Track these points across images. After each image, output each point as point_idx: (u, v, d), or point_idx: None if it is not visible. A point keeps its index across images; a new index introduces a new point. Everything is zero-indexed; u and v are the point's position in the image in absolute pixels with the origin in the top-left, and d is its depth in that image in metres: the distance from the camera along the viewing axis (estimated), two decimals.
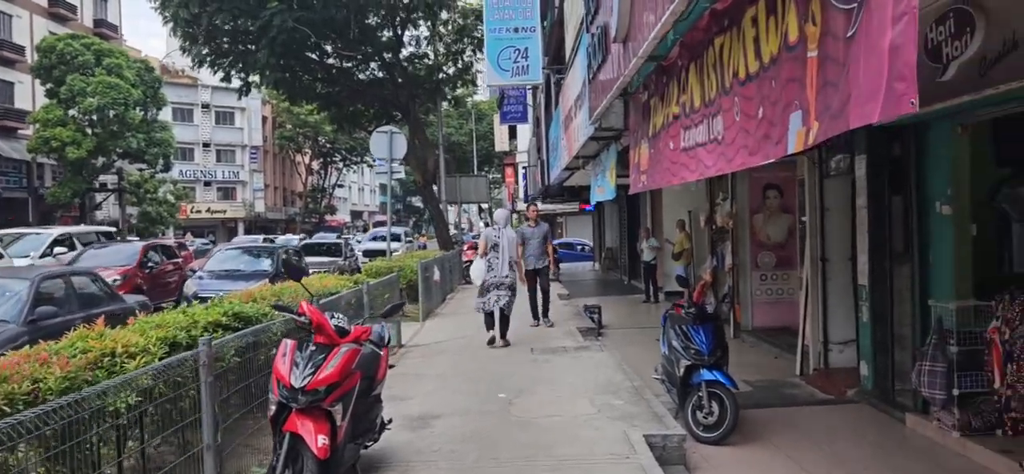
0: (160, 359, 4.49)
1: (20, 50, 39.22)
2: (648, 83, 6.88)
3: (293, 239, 38.96)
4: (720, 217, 13.12)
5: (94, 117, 36.90)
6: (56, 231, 21.89)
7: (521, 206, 43.22)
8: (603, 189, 10.18)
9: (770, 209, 12.22)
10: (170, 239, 36.25)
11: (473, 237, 37.24)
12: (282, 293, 7.77)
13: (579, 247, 37.83)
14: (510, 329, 11.22)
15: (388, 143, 16.27)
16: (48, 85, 36.38)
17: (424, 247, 37.97)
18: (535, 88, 26.21)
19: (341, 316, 4.89)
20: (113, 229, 26.93)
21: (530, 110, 28.95)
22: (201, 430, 4.46)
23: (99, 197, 42.56)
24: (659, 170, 6.46)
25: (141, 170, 42.60)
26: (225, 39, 23.43)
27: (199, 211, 63.36)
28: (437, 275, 16.59)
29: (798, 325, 11.30)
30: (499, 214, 12.39)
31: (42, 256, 19.17)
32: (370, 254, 29.33)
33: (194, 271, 18.78)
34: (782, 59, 3.58)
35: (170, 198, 47.71)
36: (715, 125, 4.79)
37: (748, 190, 12.13)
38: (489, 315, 11.11)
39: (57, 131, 35.44)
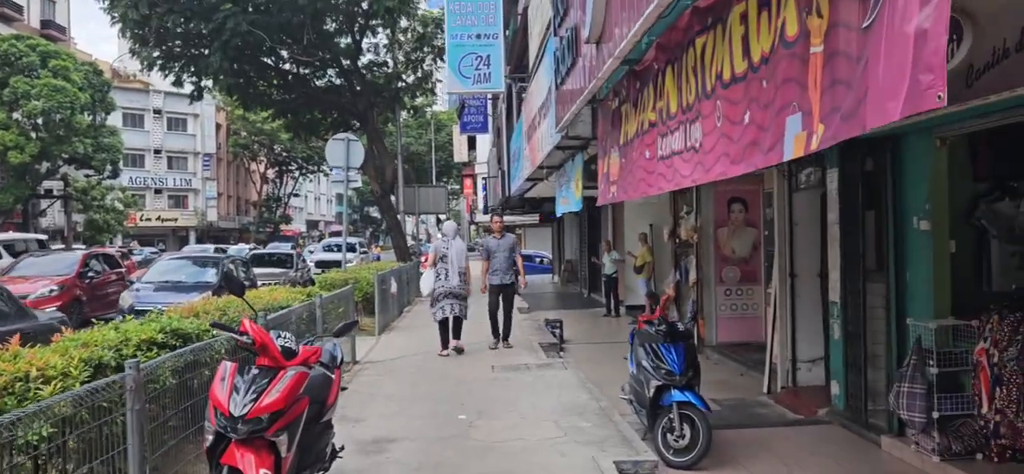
0: (82, 383, 4.01)
1: None
2: (619, 89, 6.57)
3: (245, 248, 37.97)
4: (684, 230, 12.90)
5: (39, 121, 35.58)
6: None
7: (481, 218, 42.92)
8: (568, 200, 9.88)
9: (735, 223, 12.02)
10: (113, 248, 34.95)
11: (428, 248, 36.79)
12: (227, 307, 7.26)
13: (538, 259, 37.53)
14: (462, 337, 11.79)
15: (345, 151, 15.76)
16: None
17: (378, 259, 37.25)
18: (496, 97, 25.89)
19: (288, 336, 4.45)
20: (45, 237, 25.42)
21: (491, 120, 28.62)
22: (127, 463, 3.99)
23: (44, 204, 41.09)
24: (631, 180, 6.14)
25: (88, 176, 41.26)
26: (177, 42, 22.76)
27: (149, 219, 61.70)
28: (394, 287, 16.12)
29: (764, 341, 11.14)
30: (448, 226, 12.49)
31: None
32: (323, 265, 28.40)
33: (132, 281, 17.65)
34: (777, 57, 3.28)
35: (118, 205, 46.34)
36: (693, 132, 4.49)
37: (713, 203, 11.92)
38: (442, 324, 11.51)
39: None
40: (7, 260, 19.02)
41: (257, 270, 21.26)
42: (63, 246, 38.92)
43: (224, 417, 3.95)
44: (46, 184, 39.64)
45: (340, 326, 5.22)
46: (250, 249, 34.70)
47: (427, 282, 11.70)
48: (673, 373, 6.52)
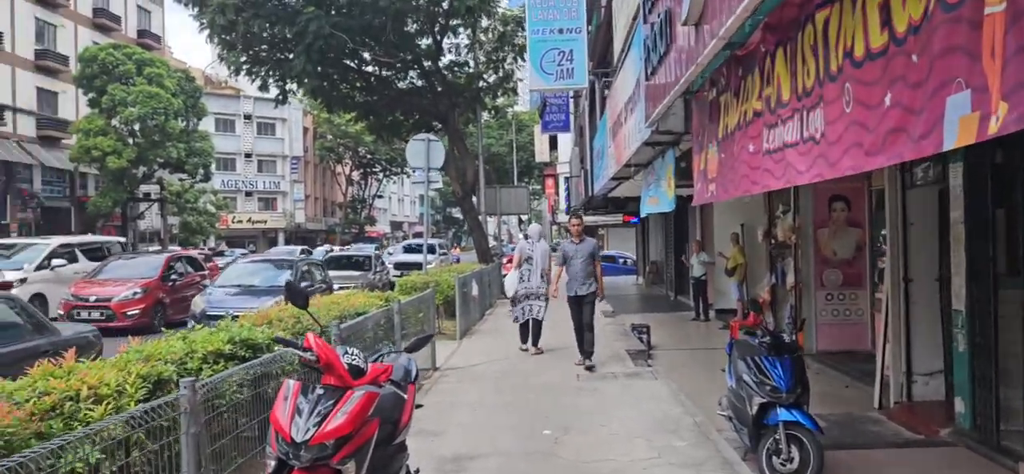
0: (138, 402, 3.72)
1: (64, 60, 39.50)
2: (717, 77, 5.99)
3: (331, 250, 38.46)
4: (781, 230, 12.14)
5: (135, 127, 36.94)
6: (54, 241, 20.27)
7: (563, 218, 42.37)
8: (657, 200, 9.29)
9: (837, 223, 11.19)
10: (197, 250, 35.81)
11: (511, 249, 36.44)
12: (304, 315, 6.96)
13: (622, 260, 36.85)
14: (547, 341, 11.78)
15: (425, 151, 15.53)
16: (90, 95, 36.50)
17: (458, 260, 37.00)
18: (578, 95, 25.37)
19: (356, 352, 4.06)
20: (124, 239, 25.83)
21: (573, 119, 28.07)
22: None
23: (141, 206, 42.66)
24: (732, 177, 5.55)
25: (182, 180, 42.62)
26: (262, 46, 23.05)
27: (240, 221, 63.56)
28: (475, 290, 15.79)
29: (870, 349, 10.31)
30: (533, 228, 12.78)
31: (38, 269, 17.89)
32: (402, 267, 27.93)
33: (206, 285, 17.26)
34: (933, 24, 2.70)
35: (210, 208, 47.77)
36: (812, 121, 3.90)
37: (813, 201, 11.13)
38: (523, 326, 11.77)
39: (98, 141, 35.51)
40: (83, 263, 19.10)
41: (334, 273, 21.15)
42: (160, 247, 40.45)
43: (286, 442, 3.58)
44: (143, 188, 41.12)
45: (414, 340, 4.81)
46: (326, 251, 34.72)
47: (511, 283, 12.01)
48: (779, 390, 5.89)
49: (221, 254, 36.85)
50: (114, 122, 36.32)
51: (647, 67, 7.20)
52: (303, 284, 15.23)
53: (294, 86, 24.22)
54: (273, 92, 24.87)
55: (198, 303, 14.65)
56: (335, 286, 18.05)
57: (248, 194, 66.26)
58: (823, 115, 3.75)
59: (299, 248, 38.35)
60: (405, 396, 4.24)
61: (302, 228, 67.86)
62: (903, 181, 8.21)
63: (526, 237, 12.57)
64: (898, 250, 8.28)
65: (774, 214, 12.64)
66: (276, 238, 63.81)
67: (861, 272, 10.89)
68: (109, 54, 36.33)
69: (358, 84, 25.50)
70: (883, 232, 8.73)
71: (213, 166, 44.93)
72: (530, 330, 11.77)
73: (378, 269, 24.30)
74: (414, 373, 4.67)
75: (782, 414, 5.78)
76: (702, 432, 6.87)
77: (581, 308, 10.44)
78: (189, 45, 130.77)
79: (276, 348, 5.40)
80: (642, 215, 10.40)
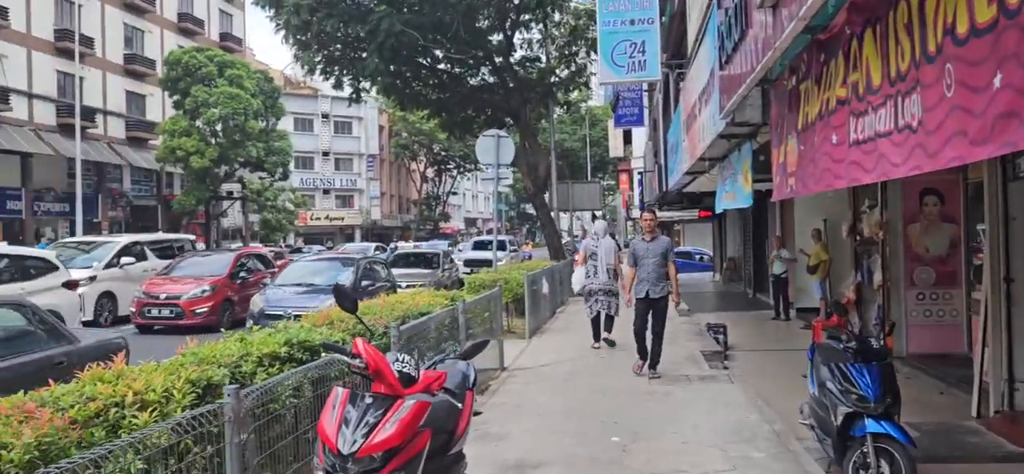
0: (186, 408, 3.60)
1: (151, 64, 40.92)
2: (797, 64, 5.58)
3: (407, 246, 38.74)
4: (867, 226, 11.50)
5: (217, 127, 38.03)
6: (123, 239, 20.12)
7: (637, 214, 41.65)
8: (733, 195, 8.86)
9: (928, 218, 10.51)
10: (271, 247, 36.40)
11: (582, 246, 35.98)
12: (364, 314, 6.83)
13: (697, 257, 36.06)
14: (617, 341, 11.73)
15: (495, 147, 15.37)
16: (174, 97, 37.72)
17: (529, 257, 36.70)
18: (652, 88, 24.83)
19: (407, 359, 3.85)
20: (193, 237, 25.87)
21: (646, 112, 27.51)
22: None
23: (224, 204, 43.92)
24: (813, 171, 5.15)
25: (262, 178, 43.67)
26: (336, 46, 23.34)
27: (318, 218, 64.90)
28: (545, 287, 15.53)
29: (964, 352, 9.64)
30: (598, 225, 12.92)
31: (107, 267, 17.71)
32: (472, 264, 27.63)
33: (266, 283, 16.57)
34: None
35: (289, 205, 48.85)
36: (908, 107, 3.51)
37: (902, 196, 10.48)
38: (594, 321, 11.96)
39: (182, 141, 36.71)
40: (153, 261, 19.12)
41: (401, 271, 20.71)
42: (240, 244, 41.58)
43: (332, 454, 3.41)
44: (225, 186, 42.34)
45: (468, 346, 4.59)
46: (390, 249, 34.53)
47: (578, 279, 12.46)
48: (866, 399, 5.45)
49: (299, 251, 37.52)
50: (197, 123, 37.49)
51: (721, 55, 6.81)
52: (364, 283, 15.03)
53: (367, 84, 24.45)
54: (347, 91, 25.16)
55: (256, 302, 14.32)
56: (402, 284, 17.94)
57: (326, 191, 67.60)
58: (920, 101, 3.36)
59: (373, 245, 38.73)
60: (461, 405, 4.03)
61: (378, 225, 68.89)
62: (1004, 173, 7.60)
63: (593, 234, 12.62)
64: (998, 247, 7.67)
65: (859, 209, 11.99)
66: (353, 235, 64.93)
67: (955, 270, 10.23)
68: (192, 57, 37.50)
69: (430, 81, 25.59)
70: (980, 227, 8.13)
71: (292, 164, 45.94)
72: (601, 324, 11.95)
73: (447, 266, 23.71)
74: (472, 379, 4.45)
75: (870, 425, 5.34)
76: (781, 442, 6.46)
77: (650, 312, 9.57)
78: (268, 45, 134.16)
79: (344, 343, 5.27)
80: (718, 211, 9.88)
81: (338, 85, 24.73)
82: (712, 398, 8.19)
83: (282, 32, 22.72)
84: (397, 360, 3.78)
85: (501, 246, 25.77)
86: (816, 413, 6.15)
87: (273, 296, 14.04)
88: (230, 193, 43.70)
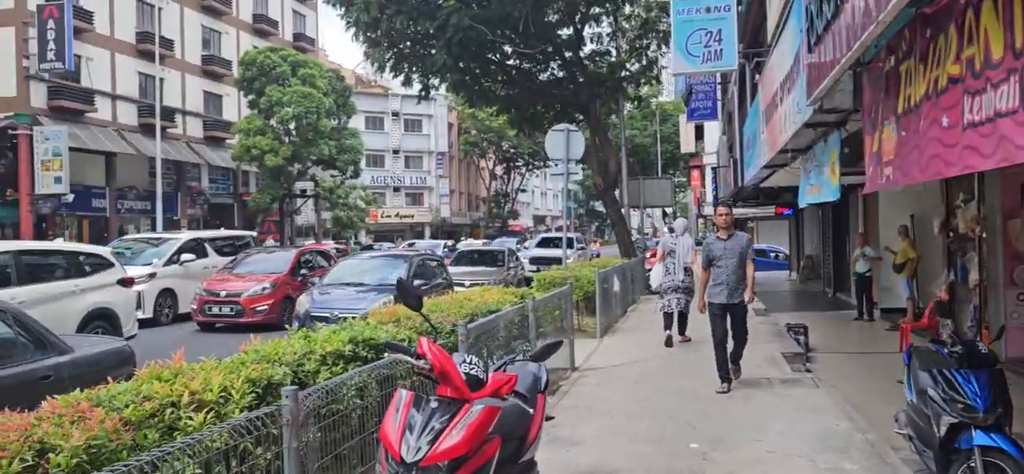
0: (244, 409, 3.43)
1: (227, 65, 41.89)
2: (895, 43, 5.13)
3: (475, 243, 38.71)
4: (962, 222, 10.81)
5: (290, 126, 38.69)
6: (184, 236, 19.76)
7: (710, 210, 40.75)
8: (818, 188, 8.34)
9: None
10: (334, 245, 36.67)
11: (655, 243, 35.33)
12: (434, 309, 6.62)
13: (773, 254, 35.05)
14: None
15: (564, 142, 15.06)
16: (249, 96, 38.53)
17: (597, 255, 36.04)
18: (727, 80, 24.13)
19: (475, 360, 3.60)
20: (255, 233, 25.84)
21: (720, 105, 26.77)
22: None
23: (298, 202, 44.72)
24: (917, 159, 4.70)
25: (333, 176, 44.27)
26: (405, 43, 23.35)
27: (388, 216, 65.61)
28: (617, 285, 15.16)
29: None
30: (678, 223, 13.04)
31: (168, 264, 17.56)
32: (538, 262, 26.80)
33: (314, 282, 15.67)
34: None
35: (360, 203, 49.42)
36: None
37: (1000, 189, 9.78)
38: (668, 316, 11.99)
39: (257, 140, 37.44)
40: (213, 258, 18.94)
41: (464, 269, 20.43)
42: (313, 241, 42.27)
43: (395, 461, 3.18)
44: (298, 185, 43.08)
45: (540, 348, 4.30)
46: (445, 246, 33.69)
47: (656, 277, 12.64)
48: (974, 409, 4.97)
49: (369, 248, 37.82)
50: (271, 122, 38.18)
51: (809, 37, 6.37)
52: (416, 282, 14.46)
53: (436, 81, 24.39)
54: (416, 88, 25.17)
55: (302, 304, 13.36)
56: (465, 283, 17.32)
57: (396, 189, 68.29)
58: None
59: (442, 242, 38.78)
60: (532, 410, 3.76)
61: (447, 222, 69.29)
62: None
63: (671, 231, 12.68)
64: None
65: (953, 203, 11.30)
66: (422, 232, 65.46)
67: None
68: (266, 57, 38.23)
69: (499, 77, 25.40)
70: None
71: (363, 162, 46.41)
72: (675, 320, 12.00)
73: (512, 265, 23.01)
74: (544, 381, 4.18)
75: (979, 438, 4.87)
76: (876, 452, 6.00)
77: (727, 320, 8.46)
78: (340, 45, 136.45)
79: (411, 342, 5.07)
80: (801, 205, 9.26)
81: (407, 82, 24.73)
82: (797, 403, 7.73)
83: (352, 30, 22.84)
84: (464, 362, 3.53)
85: (569, 244, 24.42)
86: (914, 423, 5.67)
87: (320, 297, 13.27)
88: (303, 191, 44.46)
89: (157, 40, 33.25)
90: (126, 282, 12.07)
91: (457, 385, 3.35)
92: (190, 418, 3.19)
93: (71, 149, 30.24)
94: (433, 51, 22.05)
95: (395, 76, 24.92)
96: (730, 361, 8.60)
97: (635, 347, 11.77)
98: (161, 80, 34.16)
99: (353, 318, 5.44)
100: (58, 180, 29.96)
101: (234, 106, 42.52)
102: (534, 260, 27.85)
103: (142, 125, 35.38)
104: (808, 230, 26.78)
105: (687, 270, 12.03)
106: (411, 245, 37.88)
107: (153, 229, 30.81)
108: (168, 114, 35.91)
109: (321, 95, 38.59)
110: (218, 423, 3.22)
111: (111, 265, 12.03)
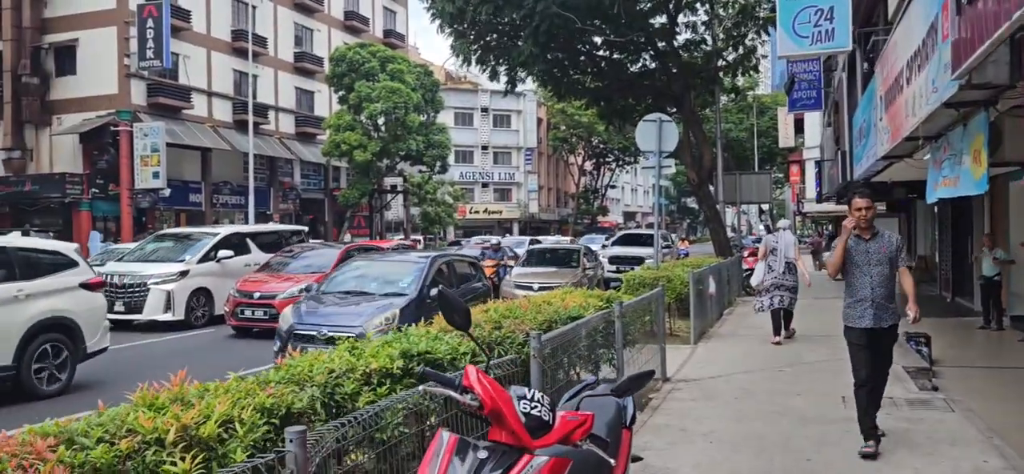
0: (249, 448, 2.73)
1: (319, 62, 42.34)
2: None
3: (564, 240, 37.75)
4: None
5: (379, 121, 38.73)
6: (223, 230, 18.04)
7: (810, 207, 38.68)
8: (954, 181, 7.15)
9: None
10: (405, 240, 36.13)
11: (753, 242, 33.58)
12: (508, 315, 5.81)
13: None
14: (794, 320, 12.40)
15: (656, 132, 14.09)
16: (339, 92, 38.76)
17: (686, 254, 34.20)
18: (832, 69, 22.54)
19: (539, 397, 2.77)
20: (305, 228, 24.29)
21: (824, 95, 25.07)
22: None
23: (387, 197, 44.86)
24: None
25: (421, 172, 44.20)
26: (492, 35, 22.73)
27: (477, 212, 65.42)
28: (713, 287, 14.07)
29: None
30: (782, 222, 13.64)
31: (203, 260, 16.19)
32: (618, 262, 24.48)
33: (308, 289, 12.91)
34: None
35: (448, 199, 49.25)
36: None
37: None
38: (774, 314, 11.99)
39: (346, 136, 37.61)
40: (256, 254, 17.49)
41: (533, 270, 18.87)
42: (403, 236, 42.31)
43: None
44: (387, 180, 43.16)
45: (626, 380, 3.36)
46: (496, 241, 30.99)
47: (758, 274, 12.65)
48: None
49: (457, 244, 37.37)
50: (361, 117, 38.29)
51: (955, 2, 5.31)
52: (435, 291, 10.59)
53: (523, 73, 23.67)
54: (503, 81, 24.52)
55: (286, 317, 10.48)
56: (534, 286, 16.24)
57: (484, 185, 68.05)
58: None
59: (528, 238, 37.90)
60: (613, 460, 2.93)
61: (536, 218, 68.65)
62: None
63: (769, 229, 11.92)
64: None
65: None
66: (511, 228, 64.99)
67: None
68: (356, 53, 38.38)
69: (588, 68, 24.49)
70: None
71: (451, 158, 46.19)
72: (781, 319, 12.04)
73: (590, 265, 20.44)
74: (630, 416, 3.35)
75: None
76: None
77: (875, 353, 6.17)
78: (432, 43, 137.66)
79: (464, 362, 4.30)
80: (929, 201, 8.03)
81: (494, 75, 24.10)
82: (930, 432, 6.60)
83: (437, 22, 22.36)
84: (524, 398, 2.72)
85: (653, 242, 19.68)
86: None
87: (307, 311, 10.47)
88: (393, 187, 44.54)
89: (251, 38, 33.76)
90: (93, 285, 10.07)
91: (514, 429, 2.55)
92: (174, 464, 2.49)
93: (169, 145, 31.09)
94: (520, 42, 21.36)
95: (482, 69, 24.33)
96: (867, 436, 6.08)
97: (734, 355, 10.73)
98: (255, 77, 34.68)
99: (347, 338, 4.38)
100: (156, 175, 30.80)
101: (325, 102, 42.95)
102: (614, 260, 25.18)
103: (236, 121, 36.04)
104: (920, 229, 24.89)
105: (790, 267, 12.13)
106: (487, 242, 34.06)
107: (246, 222, 31.22)
108: (261, 110, 36.48)
109: (409, 90, 38.48)
110: (212, 469, 2.53)
111: (74, 264, 9.88)
